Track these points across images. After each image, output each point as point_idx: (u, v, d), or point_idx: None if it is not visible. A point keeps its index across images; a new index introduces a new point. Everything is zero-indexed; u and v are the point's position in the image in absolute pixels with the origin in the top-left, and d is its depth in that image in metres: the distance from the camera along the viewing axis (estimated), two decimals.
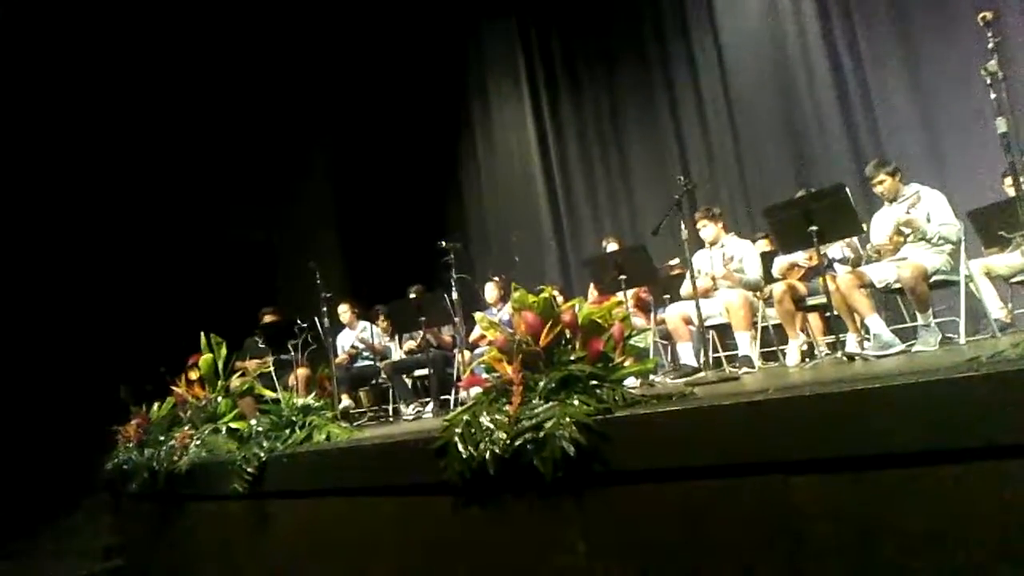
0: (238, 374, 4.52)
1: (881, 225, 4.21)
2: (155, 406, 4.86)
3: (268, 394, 3.75)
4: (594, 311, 2.37)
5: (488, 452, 2.03)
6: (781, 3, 6.98)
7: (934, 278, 3.85)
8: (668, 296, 5.40)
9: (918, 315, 3.84)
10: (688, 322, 4.53)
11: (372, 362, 6.21)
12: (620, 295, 4.58)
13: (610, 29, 8.34)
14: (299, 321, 4.76)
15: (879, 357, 3.48)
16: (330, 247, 8.78)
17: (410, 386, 6.06)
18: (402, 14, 9.25)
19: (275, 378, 4.26)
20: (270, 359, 5.16)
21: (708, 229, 4.82)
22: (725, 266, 4.68)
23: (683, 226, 4.10)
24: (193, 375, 4.54)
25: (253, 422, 3.51)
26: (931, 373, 1.50)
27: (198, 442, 3.94)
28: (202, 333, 4.35)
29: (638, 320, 5.33)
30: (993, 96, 2.56)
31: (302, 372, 5.34)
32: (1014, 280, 4.39)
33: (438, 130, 9.91)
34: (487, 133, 9.58)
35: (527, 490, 2.01)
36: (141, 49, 7.97)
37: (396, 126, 9.58)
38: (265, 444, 3.25)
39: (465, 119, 9.78)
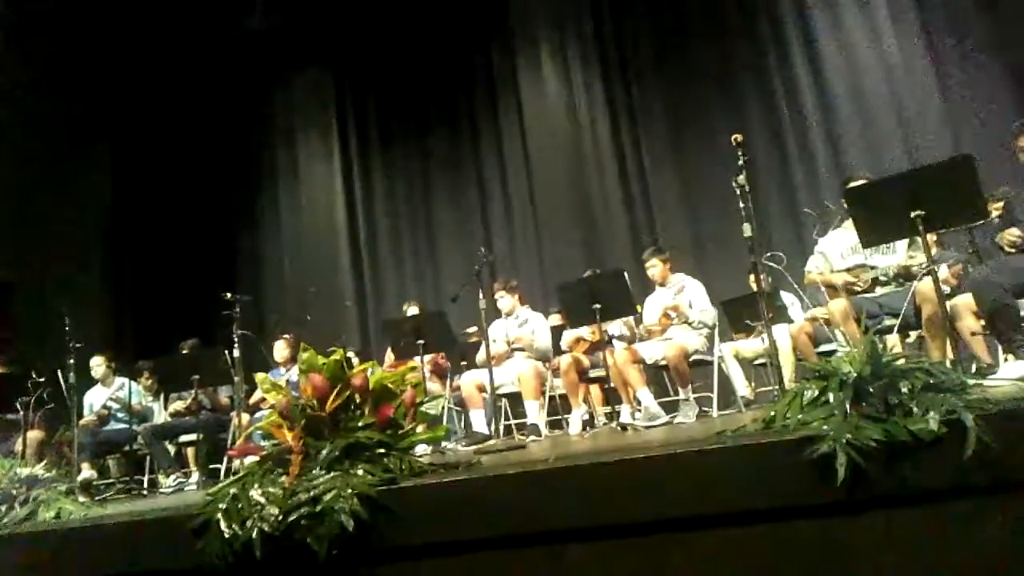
0: None
1: (652, 308, 4.70)
2: None
3: None
4: (387, 376, 2.29)
5: (256, 530, 1.82)
6: (579, 105, 7.79)
7: (693, 357, 4.35)
8: (465, 363, 5.46)
9: (680, 390, 4.29)
10: (481, 389, 4.60)
11: (128, 425, 5.42)
12: (417, 360, 4.54)
13: (425, 98, 8.61)
14: (35, 374, 4.03)
15: (647, 427, 3.80)
16: (90, 293, 7.65)
17: (173, 454, 5.36)
18: (204, 49, 8.70)
19: None
20: None
21: (505, 300, 5.01)
22: (519, 330, 4.88)
23: (482, 295, 4.22)
24: None
25: None
26: (687, 444, 1.64)
27: None
28: None
29: (434, 386, 5.31)
30: (741, 205, 3.00)
31: (33, 435, 4.50)
32: (757, 362, 5.12)
33: (238, 173, 9.29)
34: (291, 185, 9.19)
35: (298, 572, 1.83)
36: None
37: (189, 162, 8.81)
38: None
39: (270, 167, 9.31)
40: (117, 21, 7.92)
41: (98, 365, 5.61)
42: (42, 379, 4.04)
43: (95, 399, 5.60)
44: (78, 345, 4.42)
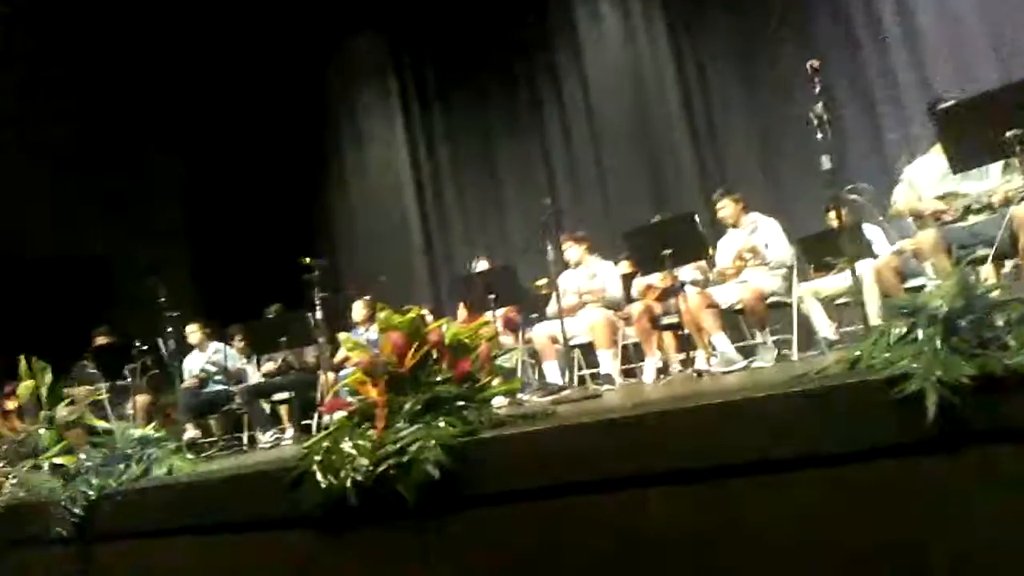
0: (65, 403, 4.02)
1: (725, 250, 4.57)
2: None
3: (100, 425, 3.37)
4: (462, 331, 2.34)
5: (349, 480, 1.93)
6: (640, 44, 7.49)
7: (771, 299, 4.23)
8: (536, 315, 5.51)
9: (757, 333, 4.19)
10: (554, 341, 4.64)
11: (225, 387, 5.79)
12: (489, 314, 4.61)
13: (481, 56, 8.50)
14: (138, 343, 4.33)
15: (724, 373, 3.75)
16: (179, 263, 8.12)
17: (268, 411, 5.71)
18: (265, 19, 8.84)
19: (109, 406, 3.84)
20: (103, 385, 4.65)
21: (573, 251, 4.99)
22: (589, 283, 4.87)
23: (550, 247, 4.21)
24: (11, 405, 3.99)
25: (82, 456, 3.12)
26: (766, 388, 1.62)
27: (14, 480, 3.43)
28: (21, 358, 3.83)
29: (507, 339, 5.39)
30: (819, 136, 2.85)
31: (141, 399, 4.87)
32: (839, 301, 4.92)
33: (304, 142, 9.53)
34: (357, 148, 9.37)
35: (390, 518, 1.93)
36: None
37: (257, 136, 9.09)
38: (95, 481, 2.90)
39: (334, 133, 9.51)
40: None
41: (193, 332, 5.98)
42: (145, 347, 4.35)
43: (193, 364, 5.99)
44: (174, 314, 4.71)
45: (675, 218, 4.36)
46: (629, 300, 4.96)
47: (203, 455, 4.64)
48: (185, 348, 5.90)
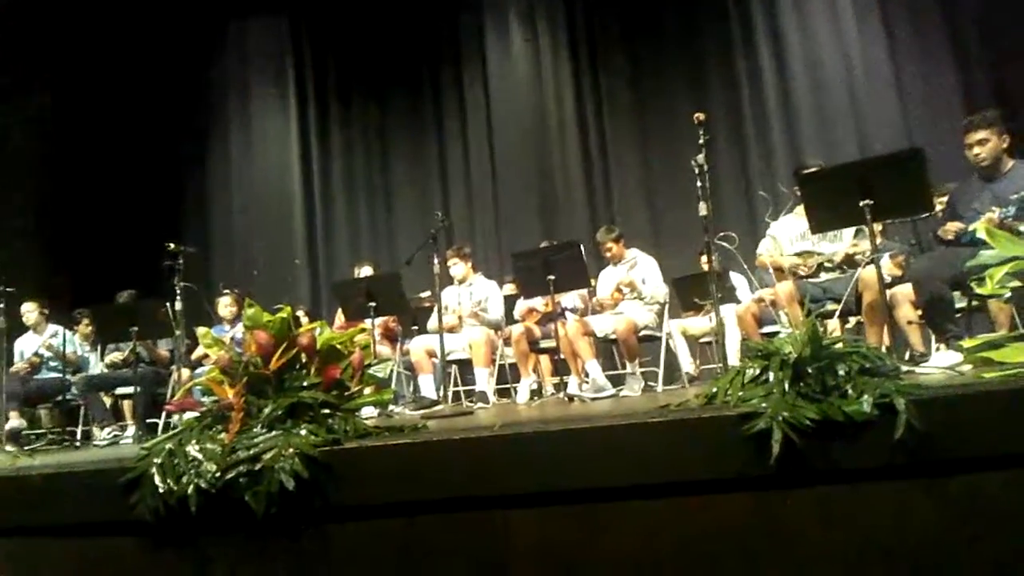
0: None
1: (606, 282, 4.74)
2: None
3: None
4: (335, 336, 2.26)
5: (191, 486, 1.78)
6: (544, 75, 7.70)
7: (643, 332, 4.42)
8: (417, 327, 5.43)
9: (627, 364, 4.36)
10: (432, 355, 4.59)
11: (61, 374, 5.23)
12: (368, 322, 4.49)
13: (387, 55, 8.37)
14: None
15: (594, 399, 3.86)
16: (26, 235, 7.28)
17: (109, 406, 5.20)
18: None
19: None
20: None
21: (458, 267, 4.97)
22: (472, 305, 4.87)
23: (436, 261, 4.17)
24: None
25: None
26: (632, 416, 1.67)
27: None
28: None
29: (384, 349, 5.27)
30: (699, 184, 3.02)
31: None
32: (703, 340, 5.24)
33: (186, 120, 8.86)
34: (244, 135, 8.82)
35: (234, 530, 1.80)
36: None
37: (134, 106, 8.38)
38: None
39: (221, 114, 8.90)
40: None
41: (30, 311, 5.38)
42: None
43: (26, 346, 5.38)
44: (9, 289, 4.22)
45: (562, 245, 4.46)
46: (510, 321, 5.01)
47: (27, 448, 4.16)
48: (19, 328, 5.29)
